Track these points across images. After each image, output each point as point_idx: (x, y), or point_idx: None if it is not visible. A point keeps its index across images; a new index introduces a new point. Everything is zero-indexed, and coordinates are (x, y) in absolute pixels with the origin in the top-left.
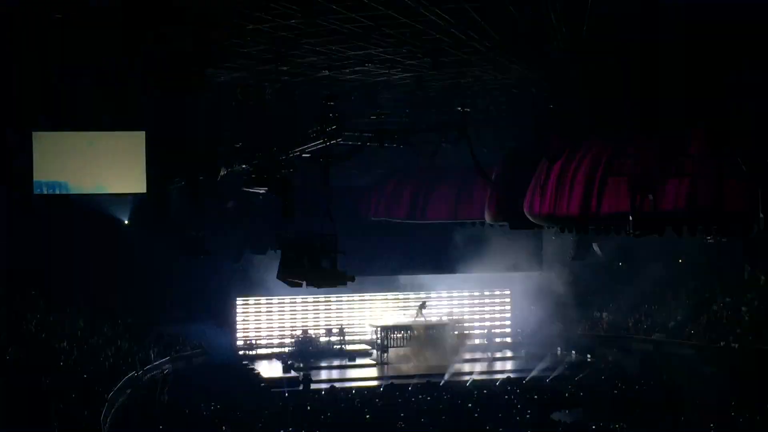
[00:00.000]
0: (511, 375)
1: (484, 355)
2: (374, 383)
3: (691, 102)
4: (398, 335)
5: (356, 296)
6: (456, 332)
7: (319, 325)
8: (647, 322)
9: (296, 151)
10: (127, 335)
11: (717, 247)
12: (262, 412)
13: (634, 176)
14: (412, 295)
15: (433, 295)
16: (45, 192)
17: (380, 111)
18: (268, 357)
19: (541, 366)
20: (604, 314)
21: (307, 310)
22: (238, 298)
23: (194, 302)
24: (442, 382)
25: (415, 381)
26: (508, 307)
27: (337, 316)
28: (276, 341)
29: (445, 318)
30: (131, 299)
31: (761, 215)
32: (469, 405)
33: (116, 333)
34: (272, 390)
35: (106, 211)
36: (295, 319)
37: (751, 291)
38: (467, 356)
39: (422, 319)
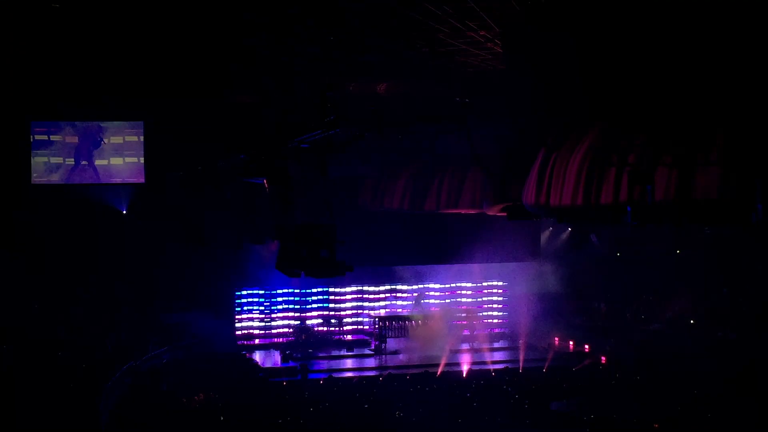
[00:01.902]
0: (509, 365)
1: (482, 345)
2: (372, 373)
3: (689, 90)
4: (396, 325)
5: (354, 286)
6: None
7: (317, 315)
8: (646, 312)
9: (294, 142)
10: (125, 325)
11: (716, 237)
12: (260, 402)
13: (632, 166)
14: (410, 285)
15: (431, 285)
16: (43, 181)
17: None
18: (266, 347)
19: (538, 356)
20: (603, 304)
21: (305, 300)
22: (236, 288)
23: (193, 292)
24: (440, 372)
25: (412, 371)
26: (505, 298)
27: (335, 306)
28: (274, 331)
29: (442, 308)
30: (129, 289)
31: (759, 204)
32: (467, 395)
33: (115, 323)
34: (270, 380)
35: (105, 200)
36: (293, 309)
37: (750, 281)
38: (465, 346)
39: (420, 309)
